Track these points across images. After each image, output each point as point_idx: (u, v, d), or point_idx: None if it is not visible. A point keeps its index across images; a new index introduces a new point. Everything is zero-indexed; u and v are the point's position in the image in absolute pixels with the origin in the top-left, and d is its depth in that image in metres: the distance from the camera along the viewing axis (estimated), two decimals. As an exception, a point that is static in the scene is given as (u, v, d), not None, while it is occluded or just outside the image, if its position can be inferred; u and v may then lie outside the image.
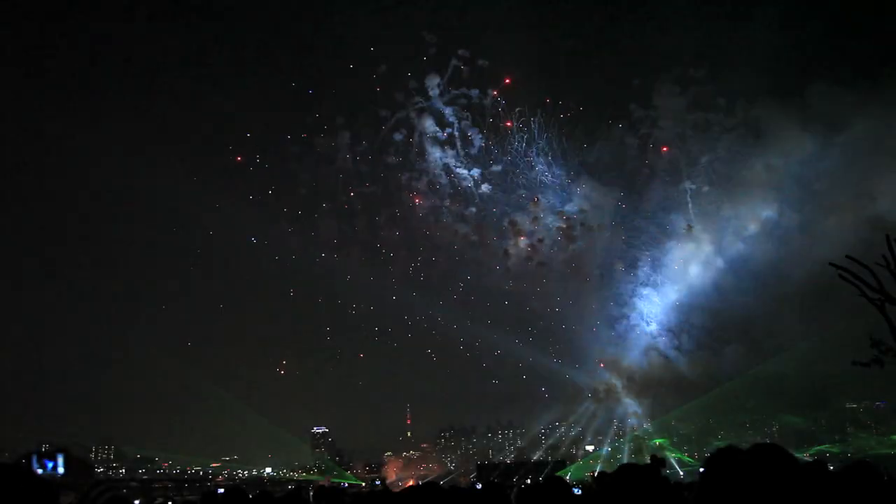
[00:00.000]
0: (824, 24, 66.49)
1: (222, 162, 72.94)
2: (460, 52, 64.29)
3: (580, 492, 11.42)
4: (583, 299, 65.29)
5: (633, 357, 64.52)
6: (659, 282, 65.60)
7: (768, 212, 61.46)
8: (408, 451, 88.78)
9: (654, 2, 72.35)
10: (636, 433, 63.57)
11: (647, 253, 65.97)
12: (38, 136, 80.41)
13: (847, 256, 23.16)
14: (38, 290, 74.26)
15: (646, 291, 65.81)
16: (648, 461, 10.81)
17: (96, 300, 71.21)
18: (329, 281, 72.23)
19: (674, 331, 64.58)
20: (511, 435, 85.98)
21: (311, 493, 12.80)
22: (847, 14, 66.83)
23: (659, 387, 61.21)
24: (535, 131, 64.20)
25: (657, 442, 62.97)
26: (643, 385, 62.17)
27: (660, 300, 65.57)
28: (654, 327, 65.37)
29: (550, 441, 69.53)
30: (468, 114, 63.89)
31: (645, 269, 65.97)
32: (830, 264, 23.23)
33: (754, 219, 62.72)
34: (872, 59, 66.29)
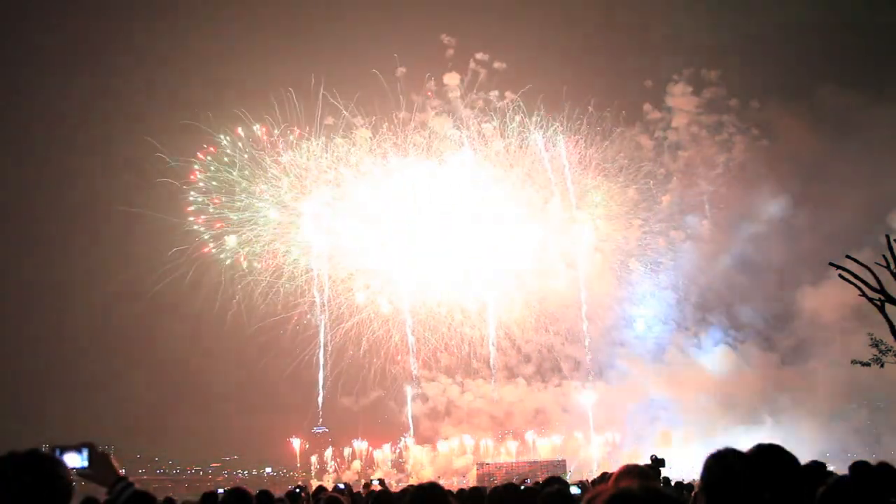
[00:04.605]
0: (835, 25, 66.63)
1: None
2: (478, 55, 64.63)
3: (580, 491, 11.40)
4: (601, 299, 65.68)
5: (649, 356, 65.00)
6: (675, 282, 66.12)
7: (782, 212, 61.91)
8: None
9: (664, 3, 72.44)
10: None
11: (664, 254, 66.65)
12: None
13: (847, 256, 23.23)
14: (37, 289, 74.24)
15: (661, 291, 66.29)
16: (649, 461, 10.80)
17: (95, 299, 71.23)
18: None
19: (692, 329, 65.29)
20: (511, 433, 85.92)
21: (311, 493, 12.79)
22: (858, 15, 67.03)
23: (678, 386, 61.65)
24: (555, 133, 64.59)
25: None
26: (663, 383, 62.61)
27: (675, 300, 66.18)
28: (671, 326, 66.00)
29: (551, 439, 69.57)
30: (488, 115, 64.16)
31: (661, 269, 66.55)
32: (831, 264, 23.28)
33: (768, 219, 63.24)
34: (883, 60, 66.32)
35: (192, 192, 61.89)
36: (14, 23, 71.54)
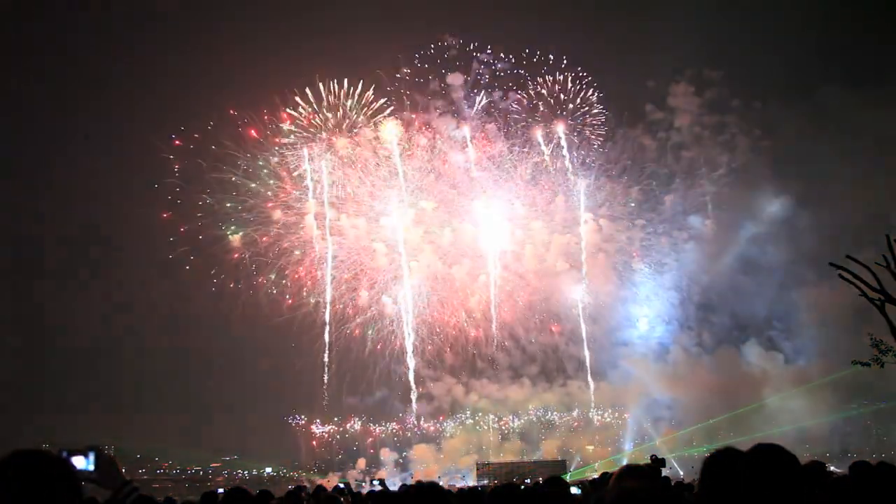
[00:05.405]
0: (836, 24, 66.65)
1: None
2: (481, 56, 64.80)
3: (580, 491, 11.43)
4: (604, 299, 66.01)
5: (652, 356, 65.18)
6: (678, 282, 66.32)
7: (784, 212, 62.11)
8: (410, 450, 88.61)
9: (666, 3, 72.45)
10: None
11: (667, 254, 66.93)
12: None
13: (847, 256, 23.21)
14: (36, 289, 74.34)
15: (665, 291, 66.54)
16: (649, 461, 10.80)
17: (96, 299, 71.32)
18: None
19: (694, 328, 65.57)
20: (511, 433, 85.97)
21: (311, 493, 12.81)
22: (859, 15, 67.00)
23: (681, 386, 61.87)
24: (561, 136, 64.79)
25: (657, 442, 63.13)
26: (665, 383, 62.78)
27: (678, 300, 66.40)
28: (674, 326, 66.24)
29: (552, 440, 69.74)
30: (491, 116, 64.41)
31: (664, 269, 66.80)
32: (831, 264, 23.26)
33: (770, 219, 63.46)
34: (885, 60, 66.27)
35: (170, 193, 58.22)
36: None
